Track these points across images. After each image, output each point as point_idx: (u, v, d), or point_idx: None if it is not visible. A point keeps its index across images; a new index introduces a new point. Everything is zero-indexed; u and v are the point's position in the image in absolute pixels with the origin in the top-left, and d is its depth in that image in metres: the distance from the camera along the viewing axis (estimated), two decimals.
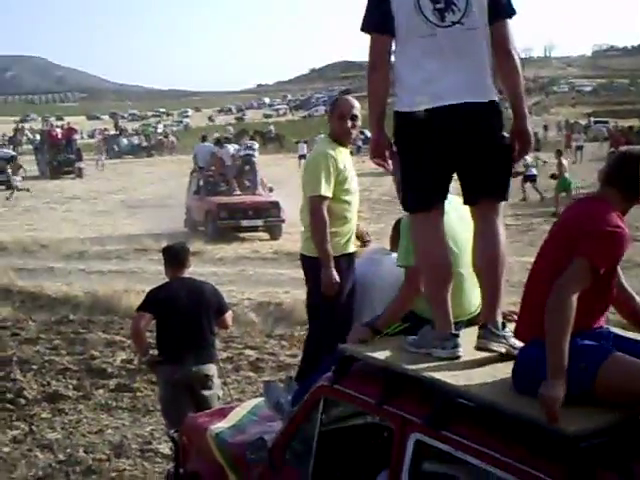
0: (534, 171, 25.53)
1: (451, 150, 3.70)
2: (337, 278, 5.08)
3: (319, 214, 5.15)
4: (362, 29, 3.83)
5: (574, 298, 3.05)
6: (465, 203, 3.91)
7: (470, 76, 3.72)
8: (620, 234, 3.12)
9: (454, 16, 3.70)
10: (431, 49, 3.70)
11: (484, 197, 3.82)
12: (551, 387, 2.92)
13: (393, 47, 3.82)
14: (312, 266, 5.23)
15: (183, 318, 6.39)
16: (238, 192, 21.38)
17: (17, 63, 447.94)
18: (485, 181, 3.79)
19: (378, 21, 3.75)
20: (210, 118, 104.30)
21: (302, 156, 39.53)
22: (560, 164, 23.83)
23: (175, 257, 6.70)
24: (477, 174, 3.79)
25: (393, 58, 3.85)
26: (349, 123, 5.28)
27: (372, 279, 5.18)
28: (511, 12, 3.84)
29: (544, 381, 2.96)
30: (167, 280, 6.77)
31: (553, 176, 24.17)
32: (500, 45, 3.79)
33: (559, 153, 25.00)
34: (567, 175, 23.61)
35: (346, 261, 5.24)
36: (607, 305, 3.37)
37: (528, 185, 25.27)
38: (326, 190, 5.15)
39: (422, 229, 3.79)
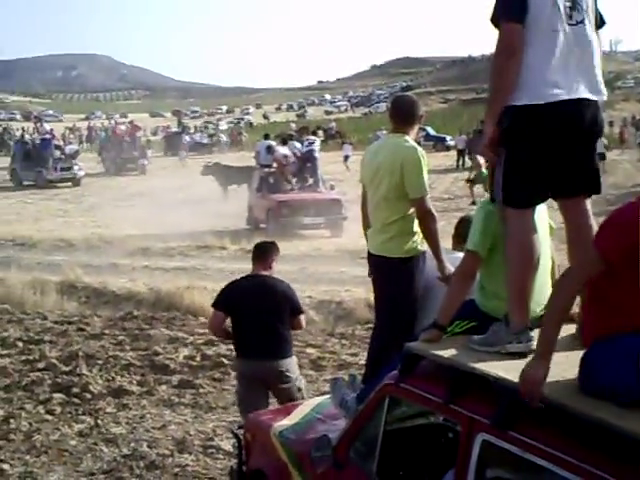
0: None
1: (568, 145, 3.75)
2: (452, 268, 5.07)
3: (432, 212, 5.22)
4: (499, 18, 3.79)
5: (575, 284, 3.16)
6: (557, 197, 3.94)
7: (591, 75, 3.84)
8: (629, 223, 3.05)
9: (579, 15, 3.81)
10: (559, 44, 3.77)
11: (582, 191, 3.90)
12: (535, 367, 3.05)
13: None
14: (394, 267, 5.22)
15: (254, 315, 6.47)
16: (295, 189, 21.36)
17: (83, 61, 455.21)
18: (587, 175, 3.87)
19: (517, 11, 3.74)
20: (264, 116, 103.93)
21: (347, 157, 39.08)
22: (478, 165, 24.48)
23: (260, 253, 6.84)
24: (581, 168, 3.85)
25: None
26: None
27: (435, 278, 5.16)
28: (604, 23, 4.04)
29: (531, 359, 3.11)
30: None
31: (469, 180, 26.09)
32: None
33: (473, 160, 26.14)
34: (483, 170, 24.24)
35: (423, 260, 5.25)
36: None
37: None
38: (427, 189, 5.26)
39: (521, 224, 3.80)
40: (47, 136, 39.37)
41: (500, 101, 3.80)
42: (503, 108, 3.81)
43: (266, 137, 25.57)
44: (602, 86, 3.90)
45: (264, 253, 6.81)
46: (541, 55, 3.77)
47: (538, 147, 3.72)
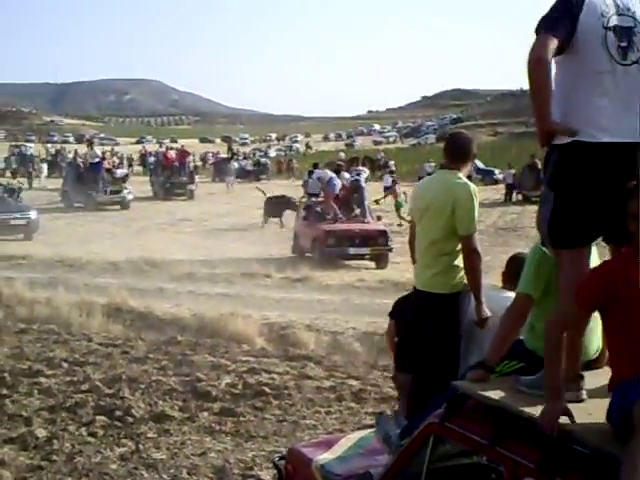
0: None
1: (613, 187, 3.67)
2: (489, 313, 5.05)
3: (478, 252, 5.25)
4: (539, 29, 3.74)
5: (558, 334, 3.40)
6: (607, 242, 3.89)
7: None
8: (598, 276, 3.40)
9: (634, 55, 3.75)
10: (608, 85, 3.72)
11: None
12: (549, 407, 3.22)
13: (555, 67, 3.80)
14: (441, 303, 5.21)
15: (407, 328, 6.49)
16: (341, 219, 21.28)
17: (135, 86, 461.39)
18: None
19: (559, 28, 3.70)
20: (307, 145, 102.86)
21: (387, 188, 37.76)
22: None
23: None
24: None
25: (557, 84, 3.84)
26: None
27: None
28: None
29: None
30: None
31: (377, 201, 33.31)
32: None
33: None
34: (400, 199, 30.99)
35: (468, 296, 5.24)
36: None
37: None
38: (475, 227, 5.31)
39: (574, 266, 3.75)
40: (97, 159, 39.72)
41: (543, 99, 3.73)
42: (548, 149, 3.80)
43: (315, 166, 25.62)
44: None
45: None
46: (586, 96, 3.72)
47: (585, 186, 3.66)
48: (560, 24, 3.70)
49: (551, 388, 3.32)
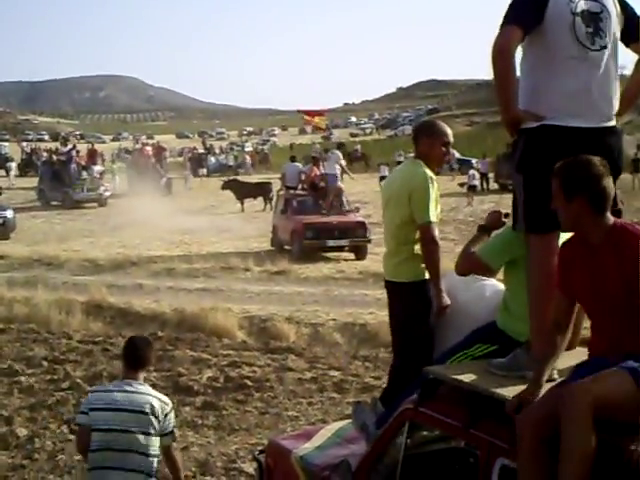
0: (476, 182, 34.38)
1: None
2: (448, 301, 5.06)
3: (435, 240, 5.16)
4: (505, 18, 3.80)
5: (553, 330, 3.46)
6: None
7: (610, 99, 3.86)
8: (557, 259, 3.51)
9: (602, 41, 3.81)
10: (576, 70, 3.78)
11: None
12: (528, 388, 3.32)
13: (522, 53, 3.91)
14: (405, 292, 5.21)
15: None
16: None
17: (110, 83, 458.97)
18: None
19: (524, 18, 3.76)
20: (270, 143, 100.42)
21: (383, 177, 38.48)
22: None
23: None
24: None
25: (525, 69, 3.92)
26: (444, 150, 5.35)
27: (461, 304, 5.14)
28: None
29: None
30: None
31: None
32: None
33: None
34: None
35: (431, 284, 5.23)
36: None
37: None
38: (434, 216, 5.19)
39: (544, 250, 3.78)
40: (64, 156, 39.18)
41: (507, 88, 3.81)
42: (517, 133, 3.85)
43: (292, 159, 25.53)
44: (616, 110, 3.91)
45: None
46: (555, 82, 3.78)
47: (553, 169, 3.71)
48: (526, 14, 3.75)
49: (537, 376, 3.38)
